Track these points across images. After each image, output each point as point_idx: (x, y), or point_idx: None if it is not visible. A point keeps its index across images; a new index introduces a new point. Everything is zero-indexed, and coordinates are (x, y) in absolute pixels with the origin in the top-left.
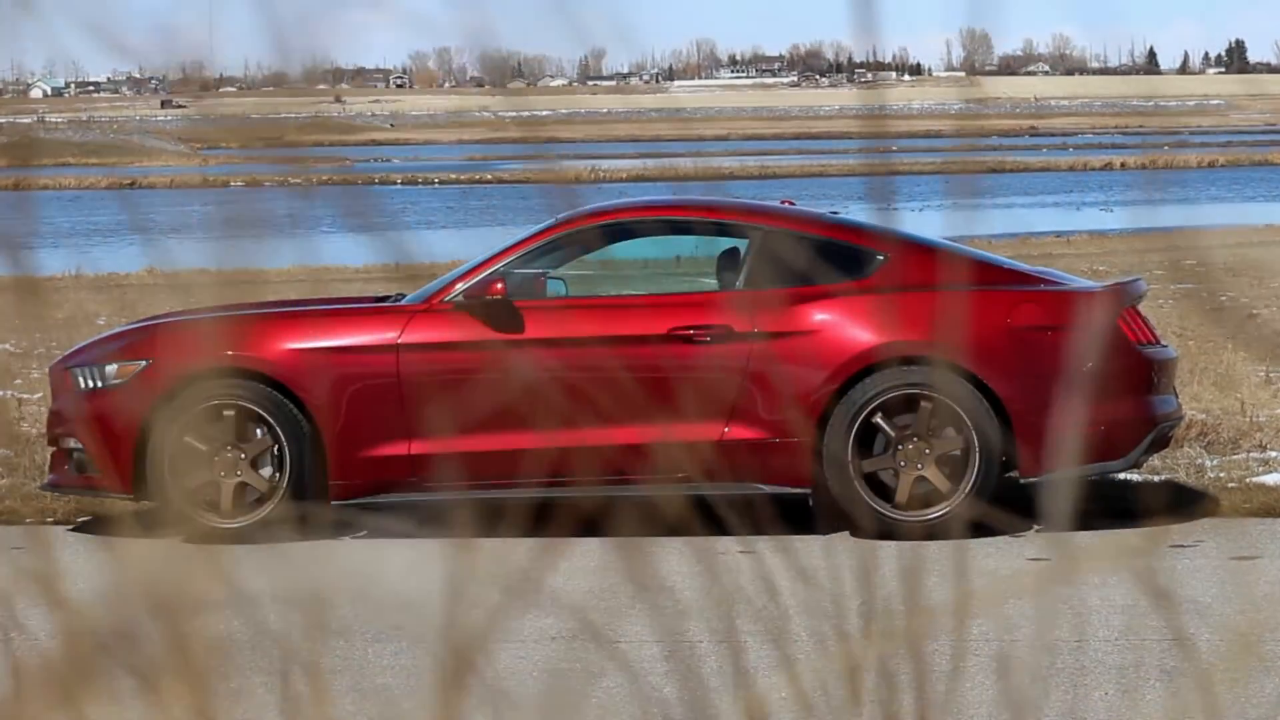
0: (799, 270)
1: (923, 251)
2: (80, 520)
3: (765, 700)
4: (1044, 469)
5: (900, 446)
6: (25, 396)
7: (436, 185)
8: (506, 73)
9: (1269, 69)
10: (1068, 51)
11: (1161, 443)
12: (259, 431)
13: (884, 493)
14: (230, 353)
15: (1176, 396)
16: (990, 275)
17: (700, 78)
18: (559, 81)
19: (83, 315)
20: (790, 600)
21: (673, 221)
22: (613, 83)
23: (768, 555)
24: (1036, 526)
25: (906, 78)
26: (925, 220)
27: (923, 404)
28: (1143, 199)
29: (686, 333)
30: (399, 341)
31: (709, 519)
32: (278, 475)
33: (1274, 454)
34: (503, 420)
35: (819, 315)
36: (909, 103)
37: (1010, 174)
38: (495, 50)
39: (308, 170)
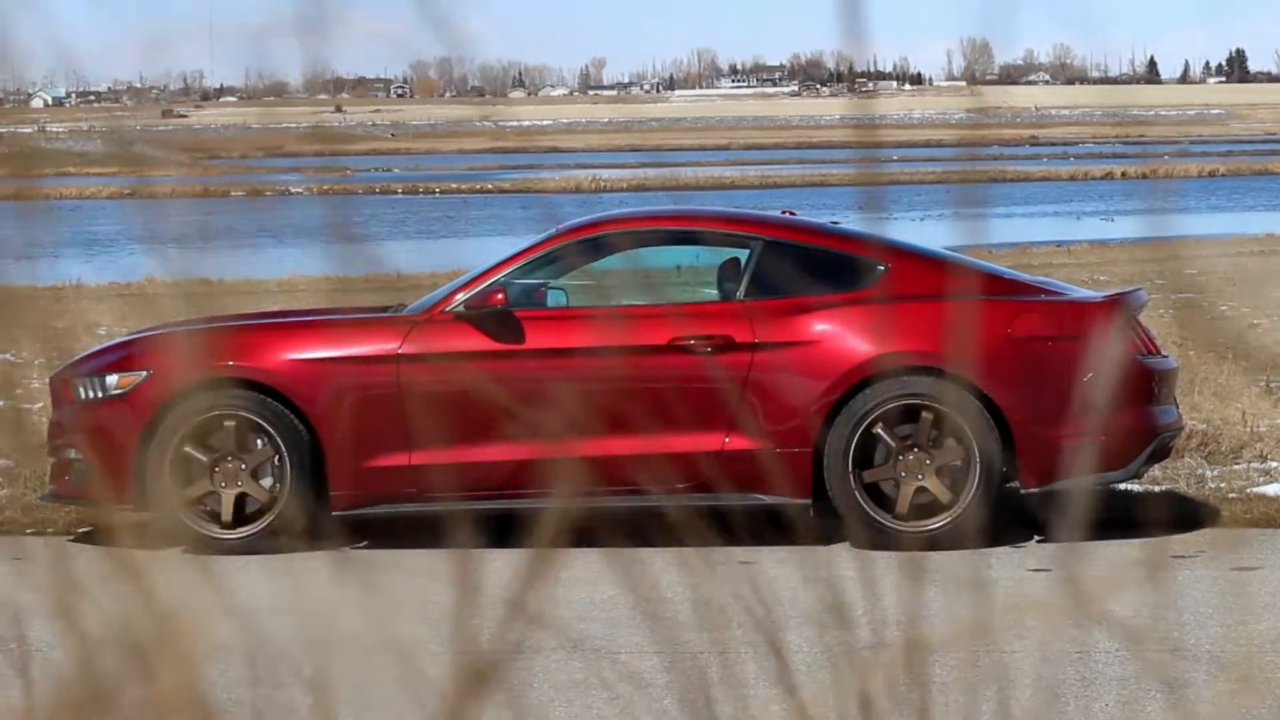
0: (800, 280)
1: (923, 262)
2: (80, 531)
3: (771, 716)
4: (1044, 480)
5: (901, 457)
6: (26, 406)
7: (438, 194)
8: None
9: (1269, 78)
10: (1068, 60)
11: (1162, 453)
12: (259, 442)
13: (884, 503)
14: (231, 363)
15: (1177, 407)
16: (991, 285)
17: (701, 87)
18: (560, 91)
19: (84, 325)
20: (791, 611)
21: (673, 232)
22: (614, 92)
23: (768, 566)
24: (1037, 537)
25: (908, 87)
26: (926, 230)
27: (923, 414)
28: (1144, 208)
29: (687, 343)
30: (400, 352)
31: (709, 529)
32: (278, 486)
33: (1274, 464)
34: (503, 431)
35: (820, 325)
36: (909, 112)
37: (1011, 183)
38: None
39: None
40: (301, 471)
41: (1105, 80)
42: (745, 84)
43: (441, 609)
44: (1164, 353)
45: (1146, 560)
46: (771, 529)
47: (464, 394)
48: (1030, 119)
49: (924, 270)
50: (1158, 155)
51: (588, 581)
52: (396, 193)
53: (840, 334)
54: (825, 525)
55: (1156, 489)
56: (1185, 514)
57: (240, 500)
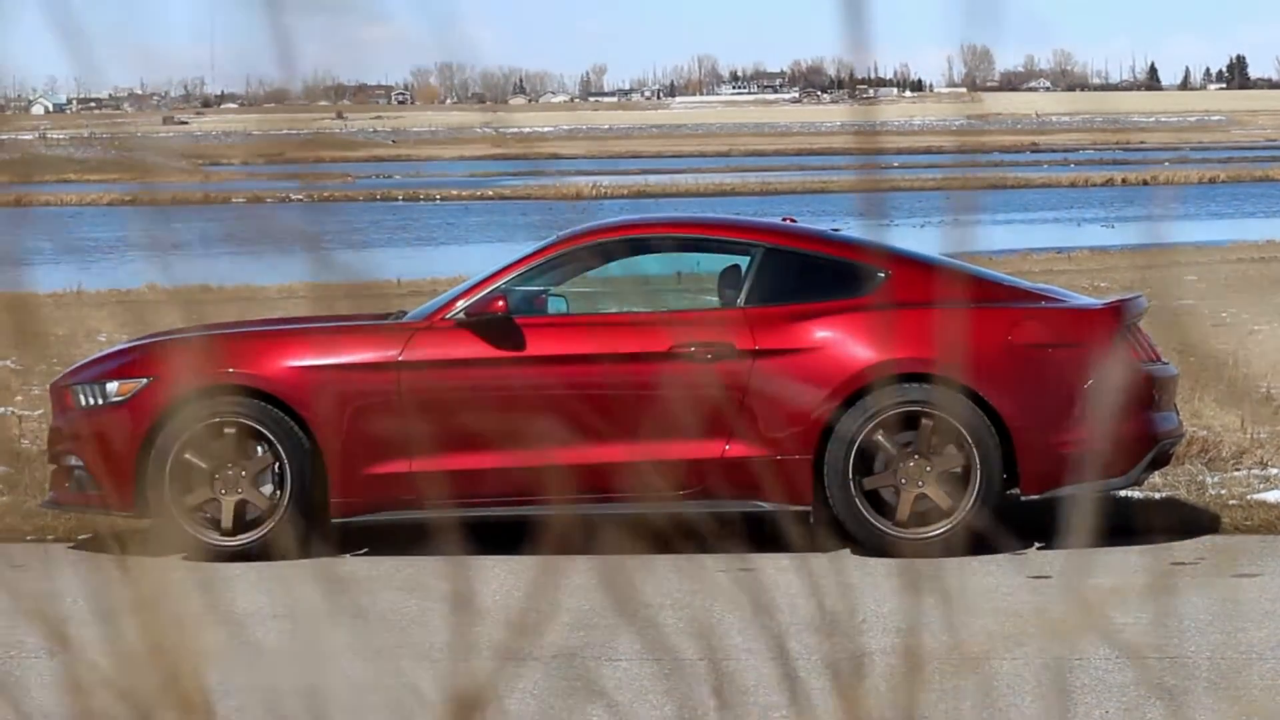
0: (800, 287)
1: (923, 269)
2: (80, 538)
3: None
4: (1045, 487)
5: (901, 464)
6: (26, 413)
7: (438, 201)
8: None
9: (1270, 84)
10: (1069, 67)
11: (1162, 460)
12: (260, 449)
13: (885, 510)
14: (231, 370)
15: (1177, 413)
16: (991, 292)
17: (702, 94)
18: (560, 98)
19: (84, 332)
20: (792, 618)
21: (674, 238)
22: (614, 99)
23: (768, 573)
24: (1038, 544)
25: (908, 93)
26: (926, 237)
27: (923, 421)
28: (1144, 215)
29: (688, 350)
30: (400, 359)
31: (710, 536)
32: (278, 493)
33: (1275, 471)
34: (504, 438)
35: (820, 332)
36: (910, 119)
37: (1011, 190)
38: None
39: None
40: (302, 478)
41: (1106, 87)
42: (746, 91)
43: (440, 620)
44: (1164, 359)
45: (1147, 567)
46: (772, 536)
47: (464, 401)
48: (1031, 125)
49: (924, 277)
50: (1158, 161)
51: (586, 588)
52: (397, 199)
53: (840, 341)
54: (826, 532)
55: (1157, 496)
56: (1186, 521)
57: (241, 507)
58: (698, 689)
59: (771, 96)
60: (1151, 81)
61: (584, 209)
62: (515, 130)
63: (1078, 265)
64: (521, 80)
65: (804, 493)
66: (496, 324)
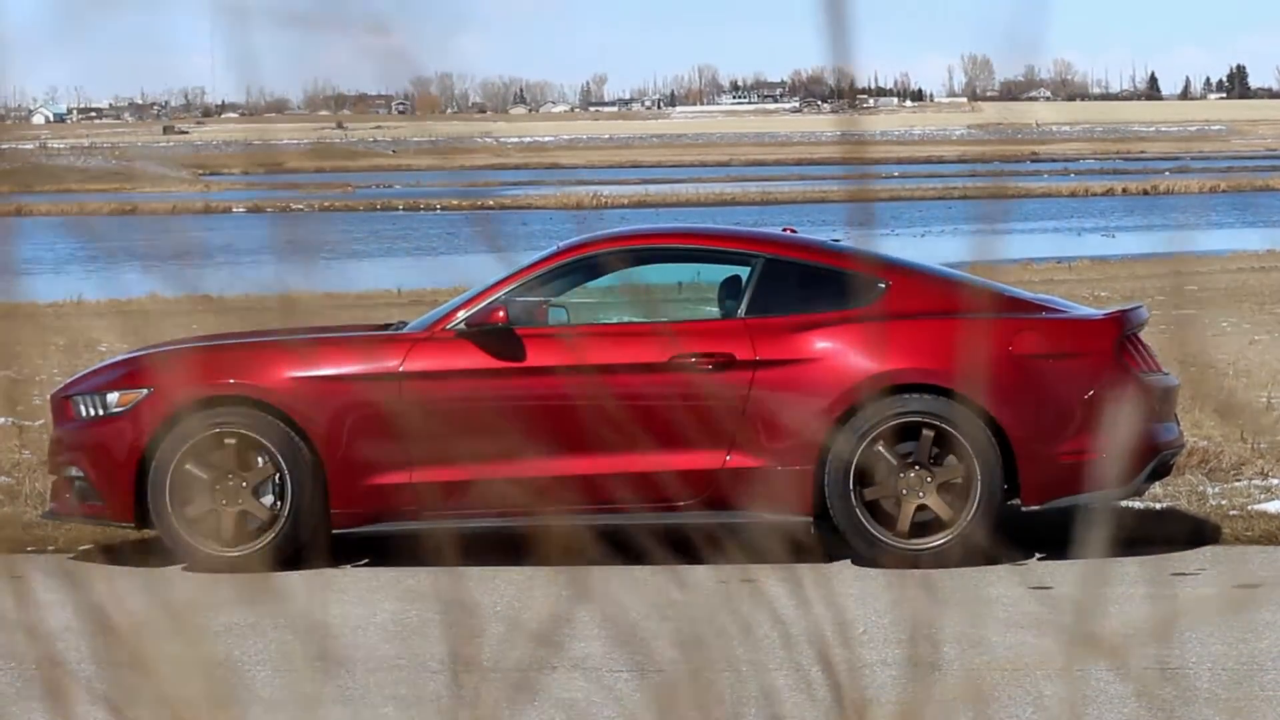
0: (801, 298)
1: (924, 279)
2: (81, 549)
3: None
4: (1046, 497)
5: (902, 474)
6: (26, 424)
7: (439, 211)
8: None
9: (1270, 94)
10: (1069, 77)
11: (1163, 470)
12: (260, 460)
13: (885, 521)
14: (232, 381)
15: (1178, 424)
16: (992, 303)
17: (702, 104)
18: (561, 108)
19: (84, 342)
20: (792, 629)
21: (674, 249)
22: (615, 109)
23: (769, 584)
24: (1039, 555)
25: (909, 103)
26: (927, 246)
27: (924, 432)
28: (1144, 224)
29: (688, 360)
30: (401, 369)
31: (710, 547)
32: (279, 504)
33: (1275, 481)
34: (505, 449)
35: (820, 343)
36: (910, 128)
37: (1011, 200)
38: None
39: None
40: (302, 489)
41: (1106, 96)
42: (746, 100)
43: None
44: (1165, 370)
45: (1147, 578)
46: (772, 546)
47: (465, 412)
48: (1031, 135)
49: (924, 288)
50: (1159, 171)
51: (587, 599)
52: (398, 209)
53: (841, 351)
54: (826, 543)
55: (1158, 506)
56: (1186, 531)
57: (241, 518)
58: (697, 701)
59: (772, 106)
60: (1152, 91)
61: (584, 219)
62: (515, 140)
63: (1078, 275)
64: (522, 90)
65: (805, 503)
66: (497, 335)
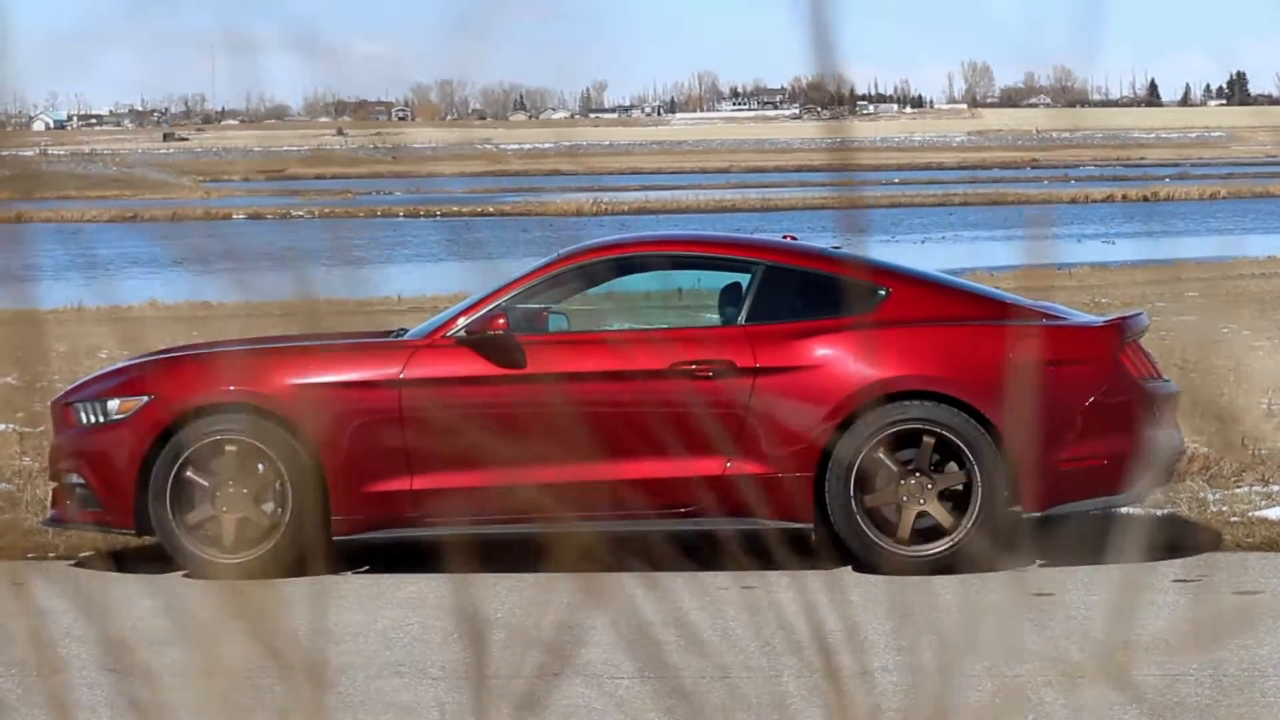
0: (801, 305)
1: (924, 286)
2: (82, 555)
3: None
4: (1046, 504)
5: (902, 481)
6: (27, 431)
7: (439, 217)
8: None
9: (1270, 101)
10: (1069, 83)
11: (1164, 477)
12: (261, 466)
13: (886, 528)
14: (233, 388)
15: (1179, 430)
16: (992, 310)
17: (702, 110)
18: (561, 114)
19: (85, 349)
20: (793, 636)
21: (675, 256)
22: (614, 115)
23: (769, 591)
24: (1039, 561)
25: (908, 110)
26: (927, 253)
27: (924, 439)
28: (1144, 230)
29: (689, 367)
30: (401, 377)
31: (711, 554)
32: (280, 510)
33: (1276, 488)
34: (505, 455)
35: (821, 350)
36: (910, 135)
37: (1012, 206)
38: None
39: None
40: (303, 496)
41: (1106, 103)
42: (746, 107)
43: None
44: (1165, 376)
45: (1148, 584)
46: (773, 554)
47: (465, 419)
48: (1031, 142)
49: (925, 294)
50: (1158, 178)
51: (591, 606)
52: (398, 216)
53: (841, 358)
54: (827, 550)
55: (1158, 513)
56: (1187, 538)
57: (242, 525)
58: (698, 707)
59: (772, 113)
60: (1152, 98)
61: (583, 225)
62: (515, 147)
63: (1079, 281)
64: (522, 97)
65: (805, 510)
66: (497, 342)
